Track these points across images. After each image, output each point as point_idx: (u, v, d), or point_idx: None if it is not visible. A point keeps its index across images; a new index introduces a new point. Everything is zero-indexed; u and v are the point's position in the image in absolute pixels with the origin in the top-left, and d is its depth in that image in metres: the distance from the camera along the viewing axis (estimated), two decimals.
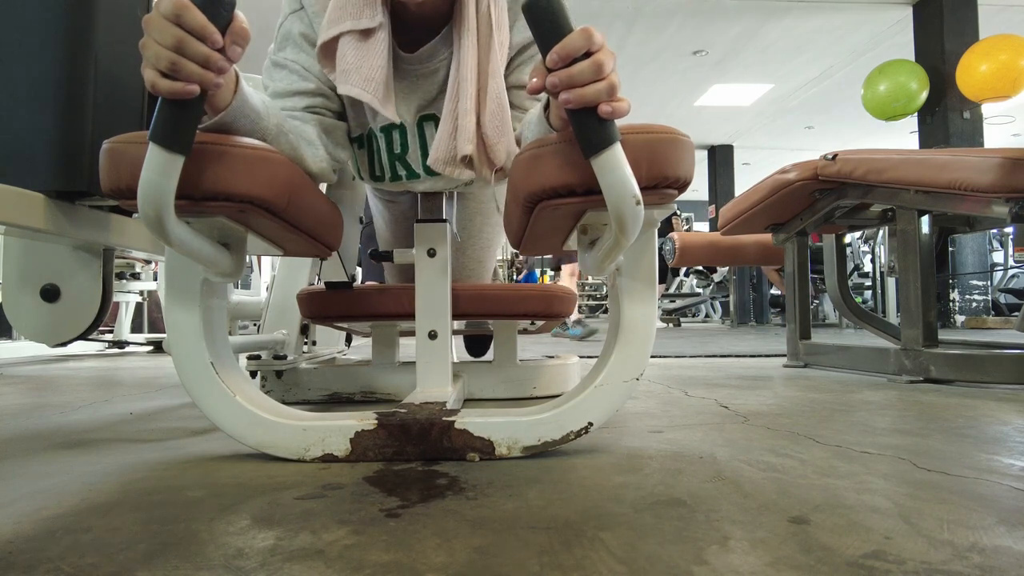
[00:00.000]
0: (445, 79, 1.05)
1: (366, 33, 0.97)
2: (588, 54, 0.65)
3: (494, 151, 1.00)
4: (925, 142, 5.79)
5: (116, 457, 0.91)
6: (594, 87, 0.65)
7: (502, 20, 1.02)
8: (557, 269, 5.07)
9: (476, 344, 2.07)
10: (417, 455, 0.85)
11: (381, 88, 0.98)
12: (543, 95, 0.78)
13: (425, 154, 1.10)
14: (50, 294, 1.37)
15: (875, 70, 5.69)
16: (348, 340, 2.30)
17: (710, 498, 0.67)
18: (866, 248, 6.55)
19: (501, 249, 1.78)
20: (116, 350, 3.60)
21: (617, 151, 0.68)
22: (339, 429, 0.85)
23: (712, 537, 0.56)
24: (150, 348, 3.61)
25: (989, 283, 6.08)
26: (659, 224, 0.87)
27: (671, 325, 7.43)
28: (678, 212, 6.27)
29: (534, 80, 0.69)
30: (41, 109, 1.08)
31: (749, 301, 7.93)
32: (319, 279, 1.69)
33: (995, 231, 7.26)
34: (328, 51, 0.99)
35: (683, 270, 8.20)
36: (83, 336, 1.40)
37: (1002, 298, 6.86)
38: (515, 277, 8.72)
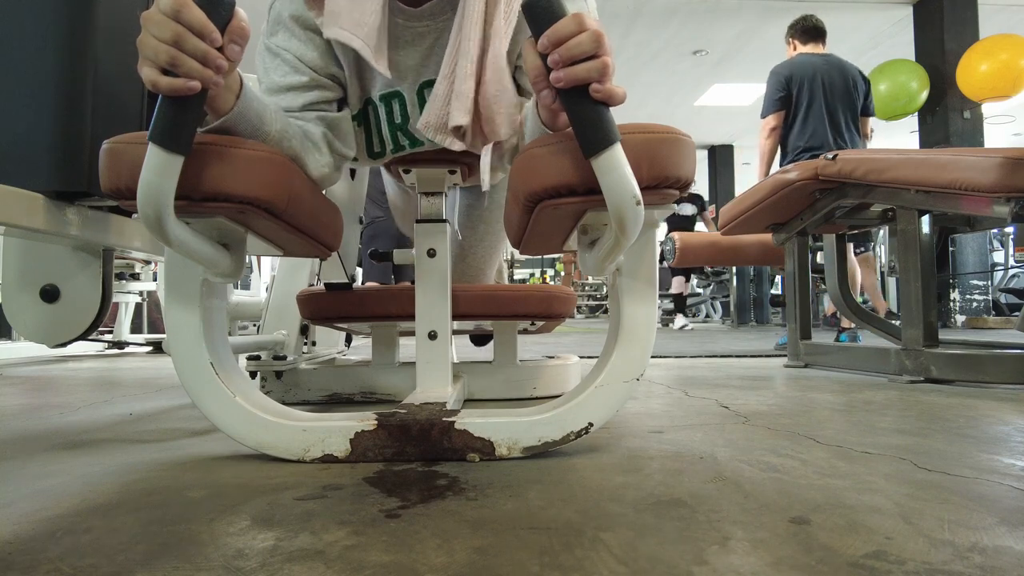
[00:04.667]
0: (440, 43, 0.99)
1: None
2: None
3: (491, 123, 0.92)
4: (925, 142, 5.79)
5: (116, 457, 0.91)
6: (584, 65, 0.64)
7: None
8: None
9: (480, 336, 2.09)
10: (417, 455, 0.85)
11: (373, 35, 0.91)
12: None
13: None
14: (50, 295, 1.36)
15: (875, 70, 5.68)
16: (348, 340, 2.29)
17: (711, 498, 0.67)
18: None
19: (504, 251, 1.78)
20: (116, 351, 3.60)
21: (617, 151, 0.68)
22: (339, 430, 0.85)
23: (713, 537, 0.56)
24: (149, 349, 3.61)
25: (990, 283, 6.08)
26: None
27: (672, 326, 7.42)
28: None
29: (543, 93, 0.68)
30: (41, 109, 1.07)
31: (749, 301, 7.93)
32: (319, 279, 1.69)
33: (995, 231, 7.26)
34: None
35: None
36: (83, 337, 1.40)
37: (1003, 298, 6.85)
38: None
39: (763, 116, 3.20)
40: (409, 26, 0.99)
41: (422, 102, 1.03)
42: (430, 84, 1.00)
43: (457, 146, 0.95)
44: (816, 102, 3.07)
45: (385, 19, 0.94)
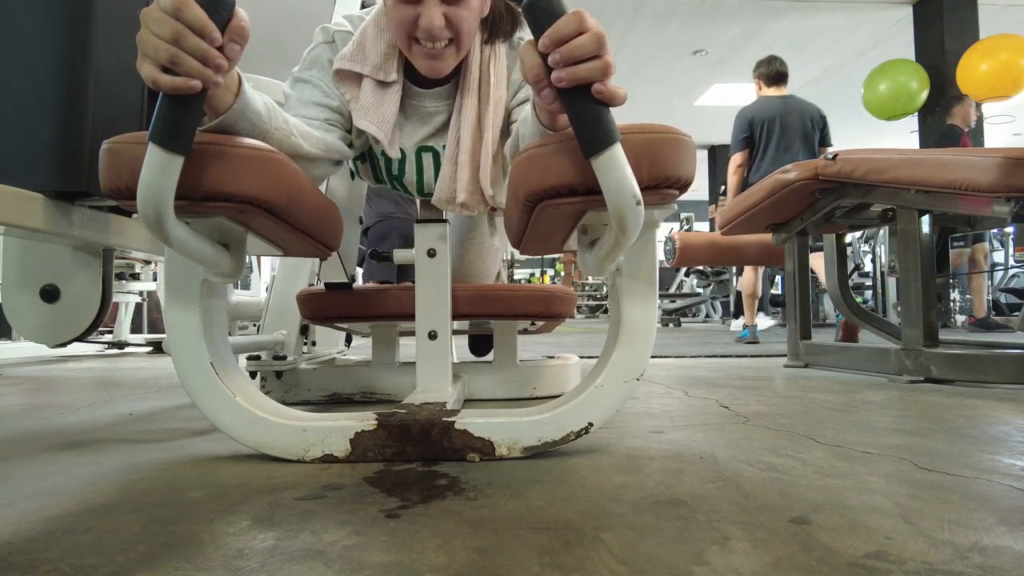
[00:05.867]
0: (445, 123, 1.17)
1: (384, 83, 1.10)
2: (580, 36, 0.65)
3: (488, 193, 1.12)
4: (925, 142, 5.78)
5: (116, 457, 0.91)
6: (586, 65, 0.64)
7: (500, 76, 1.13)
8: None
9: (479, 344, 2.07)
10: (417, 455, 0.85)
11: (391, 129, 1.11)
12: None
13: (420, 179, 1.22)
14: (50, 294, 1.36)
15: (875, 70, 5.68)
16: (348, 340, 2.29)
17: (711, 498, 0.67)
18: (866, 248, 6.54)
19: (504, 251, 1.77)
20: (115, 351, 3.60)
21: (617, 151, 0.68)
22: (339, 430, 0.85)
23: (713, 537, 0.56)
24: (150, 349, 3.60)
25: (990, 283, 6.07)
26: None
27: (671, 325, 7.42)
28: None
29: (544, 93, 0.68)
30: (41, 109, 1.07)
31: None
32: (319, 279, 1.69)
33: (995, 231, 7.25)
34: (345, 78, 1.10)
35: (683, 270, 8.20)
36: (83, 337, 1.40)
37: (1003, 298, 6.85)
38: None
39: (730, 155, 3.73)
40: (419, 106, 1.16)
41: (418, 160, 1.20)
42: (427, 149, 1.19)
43: (465, 213, 1.15)
44: (774, 141, 3.60)
45: (398, 115, 1.13)
